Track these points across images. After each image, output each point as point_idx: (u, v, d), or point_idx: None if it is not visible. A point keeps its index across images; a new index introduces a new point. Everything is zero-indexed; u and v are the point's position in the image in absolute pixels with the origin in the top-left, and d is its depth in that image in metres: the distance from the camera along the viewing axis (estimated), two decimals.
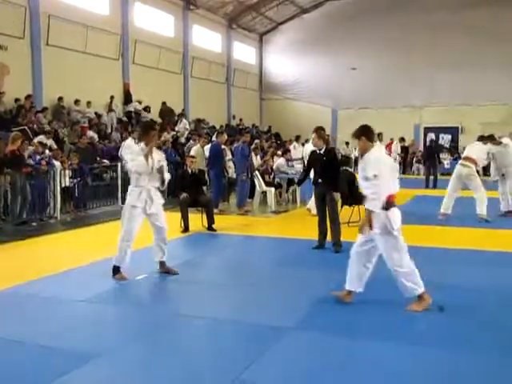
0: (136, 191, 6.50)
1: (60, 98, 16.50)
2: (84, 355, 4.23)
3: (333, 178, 8.01)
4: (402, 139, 21.22)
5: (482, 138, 11.20)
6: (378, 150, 5.34)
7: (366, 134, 5.34)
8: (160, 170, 6.54)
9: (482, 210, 10.44)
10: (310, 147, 11.82)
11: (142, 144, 6.50)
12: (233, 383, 3.80)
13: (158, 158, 6.61)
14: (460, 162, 10.94)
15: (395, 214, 5.21)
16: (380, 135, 17.54)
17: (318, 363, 4.14)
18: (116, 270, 6.49)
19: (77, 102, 17.00)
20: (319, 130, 8.13)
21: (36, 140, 12.74)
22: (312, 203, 11.68)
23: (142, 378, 3.96)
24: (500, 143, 11.10)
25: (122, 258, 6.50)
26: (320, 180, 8.01)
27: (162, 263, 6.76)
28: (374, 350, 4.34)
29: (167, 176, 6.70)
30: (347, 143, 25.29)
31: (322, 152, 8.12)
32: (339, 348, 4.43)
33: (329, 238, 8.16)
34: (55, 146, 13.41)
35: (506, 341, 4.56)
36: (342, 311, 5.30)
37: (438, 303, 5.29)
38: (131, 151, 6.61)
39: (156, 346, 4.53)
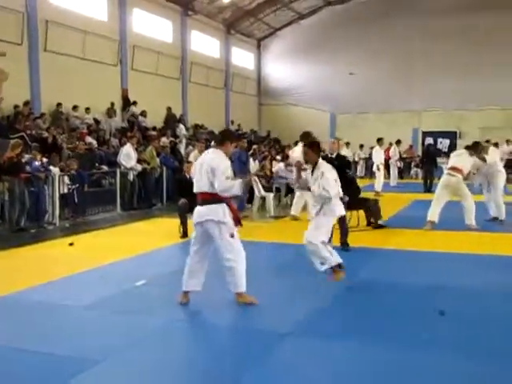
0: None
1: (58, 104, 16.50)
2: (84, 362, 4.22)
3: (343, 182, 8.22)
4: (398, 141, 21.23)
5: (468, 148, 10.98)
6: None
7: (229, 137, 5.84)
8: None
9: (470, 219, 10.28)
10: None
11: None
12: None
13: None
14: (447, 171, 10.69)
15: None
16: (380, 140, 17.58)
17: (315, 368, 4.13)
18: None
19: (75, 107, 17.00)
20: (338, 138, 9.31)
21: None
22: (296, 207, 11.86)
23: (144, 383, 3.94)
24: (484, 159, 10.78)
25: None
26: None
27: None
28: (373, 356, 4.33)
29: None
30: (348, 143, 25.18)
31: (333, 157, 8.66)
32: (337, 353, 4.41)
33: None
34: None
35: (506, 342, 4.55)
36: (339, 317, 5.30)
37: (438, 307, 5.28)
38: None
39: (156, 351, 4.51)
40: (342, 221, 8.43)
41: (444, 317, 5.14)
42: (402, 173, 24.16)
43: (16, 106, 14.97)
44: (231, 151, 5.97)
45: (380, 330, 4.91)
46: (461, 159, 10.64)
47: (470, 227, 10.23)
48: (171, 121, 21.23)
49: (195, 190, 5.77)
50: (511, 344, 4.60)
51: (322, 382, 3.90)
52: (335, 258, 6.30)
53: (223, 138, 5.79)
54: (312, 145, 6.60)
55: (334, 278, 6.27)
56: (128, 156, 13.78)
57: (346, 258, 7.93)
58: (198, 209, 5.72)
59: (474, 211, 10.32)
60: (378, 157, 17.40)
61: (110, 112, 18.64)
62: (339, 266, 6.32)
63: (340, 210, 6.57)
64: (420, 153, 24.74)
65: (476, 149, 10.71)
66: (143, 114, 19.92)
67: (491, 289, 6.25)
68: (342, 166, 8.61)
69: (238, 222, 5.69)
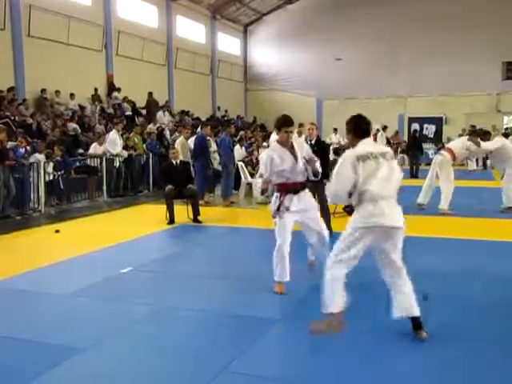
0: None
1: (43, 90, 16.32)
2: (70, 349, 4.20)
3: (324, 167, 8.26)
4: (385, 127, 21.23)
5: (470, 133, 11.14)
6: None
7: (276, 125, 5.69)
8: None
9: (443, 204, 10.25)
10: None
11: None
12: (221, 374, 3.81)
13: None
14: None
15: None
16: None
17: (305, 354, 4.16)
18: None
19: (57, 92, 16.80)
20: (315, 124, 8.72)
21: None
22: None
23: (129, 371, 3.94)
24: (478, 143, 10.41)
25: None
26: None
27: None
28: (363, 341, 4.37)
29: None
30: (335, 129, 25.37)
31: (312, 143, 8.49)
32: (328, 338, 4.43)
33: None
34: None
35: (491, 326, 4.62)
36: None
37: (422, 291, 5.33)
38: None
39: (143, 338, 4.52)
40: (325, 207, 8.45)
41: (427, 301, 5.19)
42: None
43: (0, 92, 14.80)
44: (284, 137, 5.61)
45: (367, 314, 4.94)
46: (456, 141, 10.93)
47: (441, 211, 10.24)
48: (153, 106, 21.07)
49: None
50: (495, 327, 4.67)
51: (313, 366, 3.93)
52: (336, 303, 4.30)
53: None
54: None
55: (317, 329, 4.33)
56: (114, 142, 13.69)
57: (334, 244, 8.02)
58: None
59: (449, 196, 10.28)
60: None
61: (95, 98, 18.49)
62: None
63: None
64: (406, 139, 24.85)
65: (485, 136, 10.73)
66: (125, 100, 19.77)
67: (475, 273, 6.30)
68: (323, 151, 8.61)
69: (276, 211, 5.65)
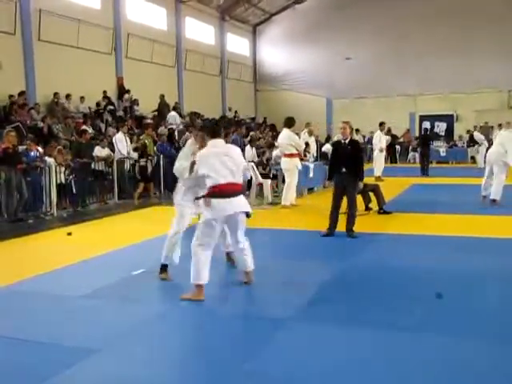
0: None
1: (55, 94, 16.42)
2: (84, 350, 4.22)
3: (357, 167, 8.31)
4: (389, 130, 20.99)
5: None
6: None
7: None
8: None
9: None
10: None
11: None
12: (234, 374, 3.80)
13: None
14: None
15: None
16: (382, 125, 17.57)
17: (318, 353, 4.14)
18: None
19: (68, 96, 16.90)
20: (349, 122, 8.64)
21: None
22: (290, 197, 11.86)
23: (142, 372, 3.94)
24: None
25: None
26: (344, 169, 8.19)
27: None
28: (373, 339, 4.35)
29: None
30: (357, 130, 25.32)
31: (346, 142, 8.48)
32: (339, 337, 4.42)
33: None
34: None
35: (503, 325, 4.58)
36: (340, 301, 5.30)
37: (436, 290, 5.30)
38: None
39: (156, 339, 4.53)
40: (353, 206, 8.45)
41: (441, 300, 5.16)
42: (398, 156, 24.35)
43: (11, 96, 14.91)
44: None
45: (378, 314, 4.92)
46: None
47: None
48: (165, 109, 21.13)
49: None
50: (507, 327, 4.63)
51: (326, 365, 3.91)
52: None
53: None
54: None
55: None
56: (120, 143, 13.74)
57: (345, 243, 8.01)
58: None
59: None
60: (380, 141, 17.40)
61: (105, 101, 18.57)
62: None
63: None
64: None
65: None
66: (135, 102, 19.84)
67: (490, 272, 6.25)
68: (357, 151, 8.59)
69: None
